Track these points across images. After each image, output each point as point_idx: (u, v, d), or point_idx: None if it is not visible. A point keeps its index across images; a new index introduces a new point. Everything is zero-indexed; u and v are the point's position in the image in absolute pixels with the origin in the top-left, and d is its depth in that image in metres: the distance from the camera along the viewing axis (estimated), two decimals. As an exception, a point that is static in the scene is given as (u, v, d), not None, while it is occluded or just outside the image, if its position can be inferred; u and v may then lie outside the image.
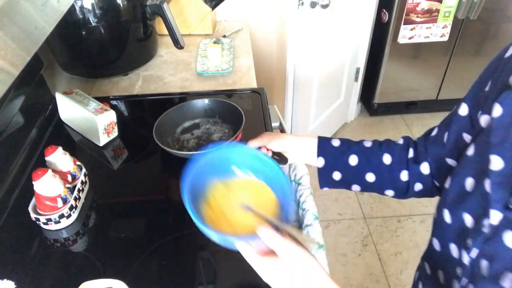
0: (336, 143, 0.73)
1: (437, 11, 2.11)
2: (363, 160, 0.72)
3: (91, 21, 1.16)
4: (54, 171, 0.80)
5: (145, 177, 0.97)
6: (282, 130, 1.12)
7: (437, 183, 0.68)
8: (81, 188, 0.86)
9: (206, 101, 1.05)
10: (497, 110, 0.48)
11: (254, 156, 0.66)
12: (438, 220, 0.56)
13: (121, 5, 1.19)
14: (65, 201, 0.80)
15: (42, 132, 1.06)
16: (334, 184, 0.75)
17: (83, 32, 1.17)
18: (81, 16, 1.14)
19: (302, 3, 1.70)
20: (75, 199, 0.83)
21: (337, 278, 1.10)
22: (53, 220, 0.79)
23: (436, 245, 0.58)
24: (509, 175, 0.46)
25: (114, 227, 0.83)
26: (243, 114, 0.98)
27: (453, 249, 0.53)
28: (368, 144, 0.73)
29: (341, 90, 2.38)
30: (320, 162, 0.73)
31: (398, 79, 2.45)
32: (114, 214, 0.88)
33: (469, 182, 0.51)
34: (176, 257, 0.77)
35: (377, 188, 0.73)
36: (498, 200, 0.46)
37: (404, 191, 0.71)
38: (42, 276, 0.74)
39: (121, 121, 1.07)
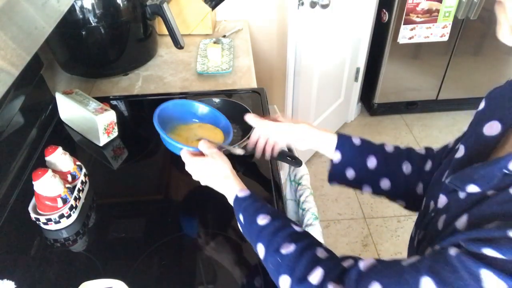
0: (356, 141, 0.71)
1: (437, 11, 2.11)
2: (381, 164, 0.69)
3: (91, 21, 1.15)
4: (54, 171, 0.80)
5: (145, 177, 0.97)
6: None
7: None
8: (81, 188, 0.86)
9: (215, 100, 1.06)
10: (482, 104, 0.54)
11: (207, 108, 0.91)
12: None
13: (121, 5, 1.19)
14: (65, 201, 0.80)
15: (42, 132, 1.06)
16: (344, 181, 0.73)
17: (83, 32, 1.17)
18: (81, 16, 1.14)
19: (302, 3, 1.70)
20: (75, 199, 0.83)
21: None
22: (53, 220, 0.79)
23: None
24: (465, 163, 0.49)
25: (114, 227, 0.83)
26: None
27: (415, 226, 0.60)
28: (389, 148, 0.71)
29: (341, 90, 2.38)
30: (336, 156, 0.71)
31: (398, 79, 2.45)
32: (114, 214, 0.87)
33: (444, 173, 0.55)
34: (176, 257, 0.77)
35: (390, 195, 0.71)
36: (446, 186, 0.50)
37: (416, 204, 0.67)
38: (42, 276, 0.74)
39: (121, 121, 1.07)
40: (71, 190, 0.83)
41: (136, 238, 0.81)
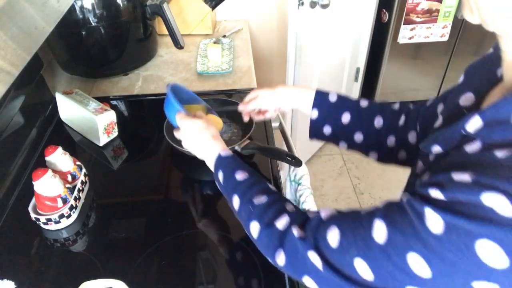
0: (333, 98, 0.76)
1: (437, 11, 2.11)
2: (355, 119, 0.74)
3: (91, 21, 1.15)
4: (54, 171, 0.80)
5: (145, 177, 0.97)
6: (282, 130, 1.12)
7: None
8: (81, 188, 0.86)
9: (215, 100, 1.07)
10: (461, 78, 0.58)
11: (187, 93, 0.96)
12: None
13: (121, 5, 1.19)
14: (65, 201, 0.80)
15: (42, 132, 1.06)
16: (323, 137, 0.79)
17: (83, 32, 1.17)
18: (81, 16, 1.14)
19: (302, 3, 1.70)
20: (75, 199, 0.83)
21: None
22: (53, 220, 0.79)
23: None
24: (439, 130, 0.52)
25: (114, 227, 0.83)
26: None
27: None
28: (364, 103, 0.75)
29: (341, 90, 2.38)
30: (314, 114, 0.76)
31: (398, 79, 2.45)
32: (114, 214, 0.87)
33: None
34: (176, 257, 0.77)
35: (363, 149, 0.76)
36: (421, 152, 0.54)
37: (388, 156, 0.74)
38: (42, 276, 0.74)
39: (121, 121, 1.07)
40: (71, 190, 0.83)
41: (136, 238, 0.81)
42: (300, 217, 0.55)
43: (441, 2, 2.07)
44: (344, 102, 0.75)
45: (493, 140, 0.40)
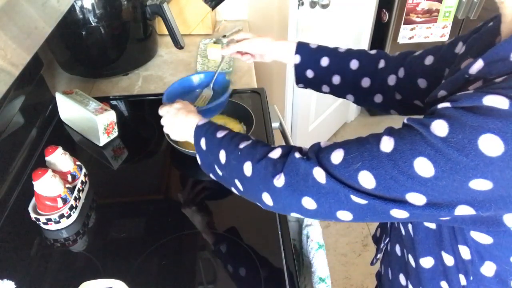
0: (313, 45, 0.82)
1: (437, 11, 2.11)
2: (333, 62, 0.79)
3: (91, 21, 1.15)
4: (54, 171, 0.80)
5: (145, 177, 0.97)
6: (282, 130, 1.12)
7: (398, 96, 0.76)
8: (81, 188, 0.86)
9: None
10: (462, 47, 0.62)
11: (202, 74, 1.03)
12: None
13: (121, 5, 1.19)
14: (65, 201, 0.80)
15: (42, 132, 1.06)
16: (307, 82, 0.84)
17: (83, 32, 1.17)
18: (81, 16, 1.14)
19: (302, 3, 1.70)
20: (75, 199, 0.83)
21: (337, 278, 1.10)
22: (53, 220, 0.79)
23: None
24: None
25: (114, 227, 0.83)
26: (253, 115, 0.99)
27: None
28: (341, 49, 0.81)
29: (341, 90, 2.38)
30: (296, 59, 0.82)
31: (398, 79, 2.45)
32: (114, 214, 0.87)
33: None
34: (176, 257, 0.77)
35: (341, 91, 0.82)
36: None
37: (363, 98, 0.80)
38: (42, 276, 0.74)
39: (121, 121, 1.07)
40: (71, 190, 0.83)
41: (136, 238, 0.81)
42: (295, 147, 0.57)
43: (441, 2, 2.07)
44: (323, 48, 0.81)
45: (492, 75, 0.45)
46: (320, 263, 0.76)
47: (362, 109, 2.73)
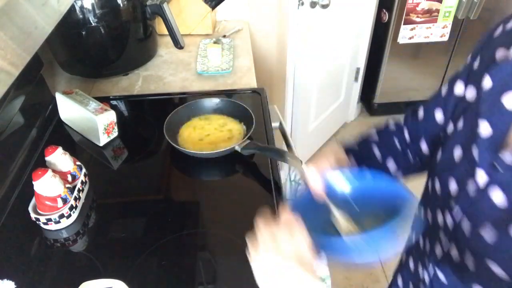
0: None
1: (437, 11, 2.11)
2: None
3: (91, 21, 1.15)
4: (54, 171, 0.80)
5: (145, 177, 0.97)
6: (282, 130, 1.12)
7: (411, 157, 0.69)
8: (81, 188, 0.86)
9: (215, 100, 1.07)
10: (487, 81, 0.50)
11: None
12: (425, 189, 0.60)
13: (121, 5, 1.19)
14: (65, 201, 0.80)
15: (42, 132, 1.06)
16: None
17: (83, 32, 1.17)
18: (81, 16, 1.14)
19: (302, 3, 1.70)
20: (75, 199, 0.83)
21: (337, 278, 1.10)
22: (53, 220, 0.79)
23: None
24: (496, 140, 0.48)
25: (114, 227, 0.83)
26: (253, 115, 0.99)
27: (438, 215, 0.56)
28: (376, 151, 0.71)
29: (341, 90, 2.38)
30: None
31: (398, 79, 2.45)
32: (114, 214, 0.87)
33: (457, 151, 0.53)
34: (176, 257, 0.77)
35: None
36: (484, 161, 0.48)
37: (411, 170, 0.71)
38: (42, 276, 0.74)
39: (121, 121, 1.07)
40: (71, 190, 0.83)
41: (136, 238, 0.81)
42: None
43: (441, 2, 2.07)
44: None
45: None
46: (320, 263, 0.76)
47: (362, 109, 2.73)
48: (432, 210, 0.58)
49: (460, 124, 0.55)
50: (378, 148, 0.71)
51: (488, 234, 0.48)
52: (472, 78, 0.55)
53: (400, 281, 0.71)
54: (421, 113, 0.66)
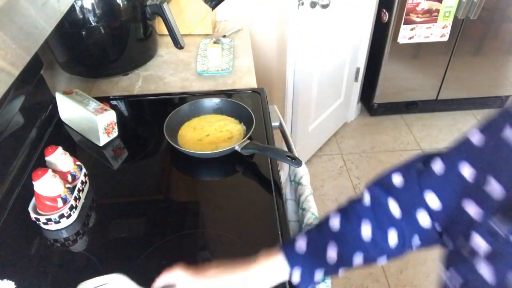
0: (300, 244, 0.60)
1: (437, 11, 2.11)
2: (341, 247, 0.58)
3: (91, 21, 1.15)
4: (54, 171, 0.80)
5: (145, 177, 0.97)
6: (282, 130, 1.12)
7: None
8: (81, 188, 0.86)
9: (216, 100, 1.08)
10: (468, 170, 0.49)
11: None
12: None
13: (121, 5, 1.19)
14: (65, 201, 0.80)
15: (42, 132, 1.06)
16: (323, 277, 0.62)
17: (83, 32, 1.17)
18: (81, 16, 1.14)
19: (302, 3, 1.70)
20: (75, 199, 0.83)
21: (337, 278, 1.10)
22: (53, 220, 0.79)
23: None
24: (509, 203, 0.43)
25: (114, 227, 0.83)
26: (253, 115, 1.00)
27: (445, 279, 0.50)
28: (335, 225, 0.59)
29: (341, 90, 2.38)
30: (295, 275, 0.59)
31: (398, 79, 2.45)
32: (114, 214, 0.87)
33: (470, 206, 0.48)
34: (176, 257, 0.77)
35: (368, 261, 0.60)
36: (484, 230, 0.44)
37: (396, 252, 0.59)
38: (42, 276, 0.74)
39: (121, 121, 1.07)
40: (71, 190, 0.83)
41: (136, 238, 0.81)
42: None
43: (441, 2, 2.07)
44: (313, 237, 0.60)
45: None
46: None
47: (362, 109, 2.73)
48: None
49: None
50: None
51: None
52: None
53: None
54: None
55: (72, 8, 1.11)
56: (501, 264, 0.41)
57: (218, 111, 1.07)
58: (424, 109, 2.66)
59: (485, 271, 0.42)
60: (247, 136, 0.96)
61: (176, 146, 0.95)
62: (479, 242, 0.44)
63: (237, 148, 0.92)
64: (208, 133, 1.01)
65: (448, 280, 0.49)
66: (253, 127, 0.97)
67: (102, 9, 1.15)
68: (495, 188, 0.45)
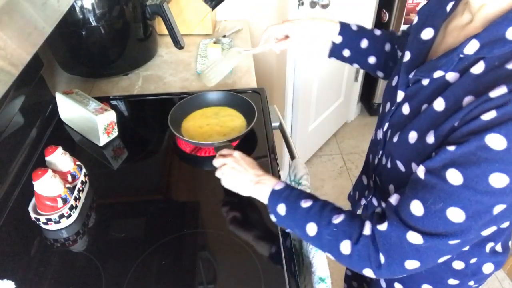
0: (354, 27, 0.88)
1: (437, 11, 2.10)
2: (371, 45, 0.87)
3: (91, 21, 1.15)
4: (54, 171, 0.80)
5: (145, 177, 0.97)
6: (282, 130, 1.12)
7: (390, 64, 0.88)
8: (81, 188, 0.86)
9: (220, 93, 1.10)
10: (415, 18, 0.70)
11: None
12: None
13: (121, 5, 1.19)
14: (65, 201, 0.80)
15: (42, 132, 1.06)
16: (341, 58, 0.92)
17: (83, 32, 1.17)
18: (81, 16, 1.14)
19: (302, 3, 1.70)
20: (75, 199, 0.83)
21: (337, 278, 1.10)
22: (53, 220, 0.79)
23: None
24: (412, 63, 0.65)
25: (114, 227, 0.83)
26: (255, 108, 1.02)
27: (378, 133, 0.75)
28: (377, 32, 0.88)
29: (341, 90, 2.38)
30: (338, 39, 0.88)
31: (398, 79, 2.45)
32: (114, 214, 0.87)
33: (394, 78, 0.71)
34: (176, 257, 0.77)
35: (373, 69, 0.91)
36: (402, 83, 0.66)
37: (388, 74, 0.89)
38: (42, 276, 0.74)
39: (121, 121, 1.07)
40: (71, 190, 0.83)
41: (136, 238, 0.81)
42: (376, 216, 0.60)
43: (441, 2, 2.07)
44: (363, 31, 0.88)
45: (493, 53, 0.50)
46: (320, 263, 0.76)
47: (362, 109, 2.73)
48: (376, 129, 0.77)
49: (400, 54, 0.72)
50: (368, 42, 0.88)
51: (395, 137, 0.64)
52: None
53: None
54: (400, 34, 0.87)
55: (72, 8, 1.11)
56: (418, 98, 0.62)
57: (222, 103, 1.10)
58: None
59: (406, 107, 0.64)
60: (249, 128, 0.97)
61: (182, 138, 0.96)
62: (399, 95, 0.66)
63: (216, 144, 0.93)
64: (209, 124, 1.04)
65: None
66: (254, 122, 0.98)
67: (102, 9, 1.15)
68: (406, 54, 0.67)
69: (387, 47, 0.87)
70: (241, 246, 0.78)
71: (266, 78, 1.90)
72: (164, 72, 1.34)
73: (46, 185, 0.77)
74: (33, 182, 0.76)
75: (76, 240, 0.81)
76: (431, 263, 0.56)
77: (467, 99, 0.52)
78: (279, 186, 0.70)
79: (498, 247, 0.73)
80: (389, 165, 0.68)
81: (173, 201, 0.91)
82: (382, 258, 0.57)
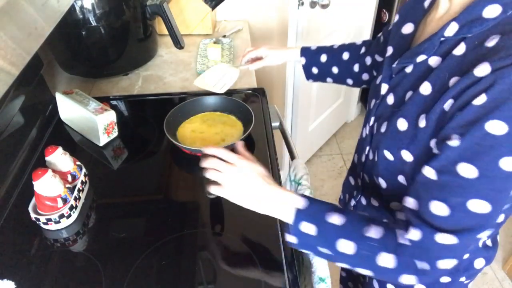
0: (313, 47, 1.04)
1: (437, 11, 2.10)
2: (329, 57, 1.00)
3: (91, 21, 1.16)
4: (54, 171, 0.80)
5: (145, 177, 0.97)
6: (282, 130, 1.12)
7: (375, 73, 0.94)
8: (81, 188, 0.86)
9: (217, 98, 1.09)
10: (396, 16, 0.75)
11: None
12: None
13: (121, 5, 1.19)
14: (65, 201, 0.80)
15: (42, 132, 1.06)
16: (314, 77, 1.06)
17: (83, 32, 1.17)
18: (81, 16, 1.14)
19: (302, 3, 1.70)
20: (75, 199, 0.83)
21: (337, 278, 1.10)
22: (53, 220, 0.79)
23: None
24: (395, 56, 0.68)
25: (114, 227, 0.83)
26: (253, 114, 1.00)
27: (363, 131, 0.77)
28: (335, 46, 1.01)
29: (341, 90, 2.38)
30: (302, 61, 1.04)
31: (398, 79, 2.45)
32: (114, 214, 0.87)
33: (379, 78, 0.73)
34: (176, 257, 0.77)
35: (341, 78, 1.02)
36: (386, 75, 0.68)
37: (358, 80, 1.00)
38: (42, 276, 0.74)
39: (121, 121, 1.07)
40: (71, 190, 0.83)
41: (136, 238, 0.81)
42: (400, 223, 0.59)
43: (441, 2, 2.07)
44: (321, 48, 1.02)
45: (472, 33, 0.53)
46: (320, 263, 0.76)
47: (362, 109, 2.73)
48: (362, 129, 0.80)
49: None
50: (327, 55, 1.01)
51: (383, 127, 0.66)
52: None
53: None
54: (379, 35, 0.92)
55: (72, 8, 1.11)
56: (402, 87, 0.64)
57: (219, 109, 1.08)
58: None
59: (390, 98, 0.66)
60: (247, 133, 0.96)
61: (175, 143, 0.95)
62: (383, 87, 0.69)
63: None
64: (204, 130, 1.03)
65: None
66: (251, 126, 0.97)
67: (102, 9, 1.15)
68: (389, 50, 0.71)
69: (345, 55, 0.99)
70: (241, 246, 0.78)
71: (266, 78, 1.90)
72: (164, 72, 1.34)
73: (46, 185, 0.77)
74: (33, 182, 0.76)
75: (76, 240, 0.81)
76: (465, 255, 0.62)
77: (453, 80, 0.53)
78: (301, 203, 0.62)
79: (489, 242, 0.74)
80: (376, 159, 0.69)
81: (173, 201, 0.91)
82: (425, 265, 0.56)
